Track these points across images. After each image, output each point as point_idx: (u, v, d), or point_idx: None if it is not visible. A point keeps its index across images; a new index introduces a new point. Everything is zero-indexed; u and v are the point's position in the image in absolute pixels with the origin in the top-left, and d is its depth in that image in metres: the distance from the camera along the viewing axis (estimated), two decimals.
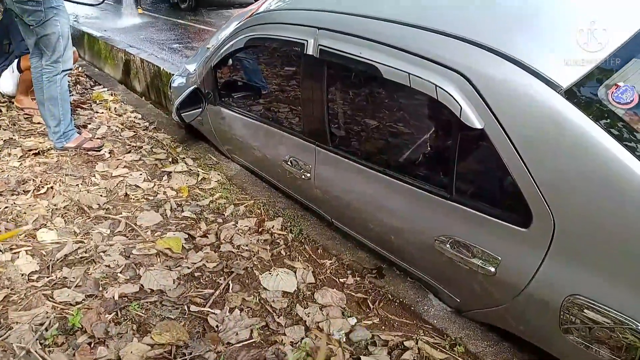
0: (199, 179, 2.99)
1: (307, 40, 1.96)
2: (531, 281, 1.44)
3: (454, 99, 1.46)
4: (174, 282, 2.02)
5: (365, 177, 1.91)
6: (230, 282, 2.05)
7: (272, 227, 2.48)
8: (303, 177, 2.25)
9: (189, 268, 2.12)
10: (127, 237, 2.34)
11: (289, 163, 2.34)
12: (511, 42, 1.43)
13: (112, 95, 4.63)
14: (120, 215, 2.52)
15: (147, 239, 2.32)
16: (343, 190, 2.10)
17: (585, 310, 1.31)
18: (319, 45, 1.90)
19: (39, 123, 3.64)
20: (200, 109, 2.90)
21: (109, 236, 2.33)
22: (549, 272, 1.39)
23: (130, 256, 2.18)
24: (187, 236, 2.37)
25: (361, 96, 2.06)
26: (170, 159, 3.25)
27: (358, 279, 2.10)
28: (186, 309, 1.89)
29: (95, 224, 2.43)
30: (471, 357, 1.71)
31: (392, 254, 2.04)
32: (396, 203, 1.83)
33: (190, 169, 3.10)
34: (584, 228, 1.30)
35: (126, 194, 2.73)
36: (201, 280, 2.06)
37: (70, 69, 3.19)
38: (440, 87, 1.49)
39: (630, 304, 1.23)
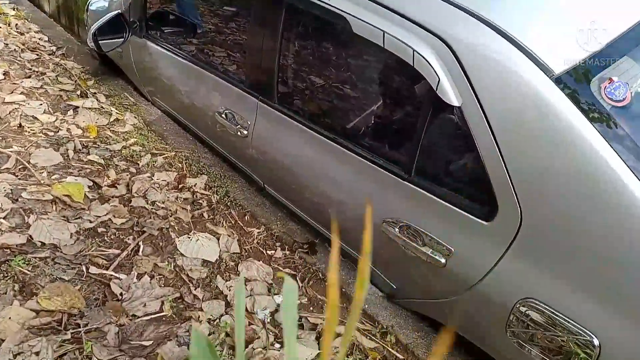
0: (112, 119, 2.60)
1: None
2: (484, 278, 1.33)
3: (433, 68, 1.29)
4: (71, 237, 1.71)
5: (313, 141, 1.70)
6: (141, 243, 1.77)
7: (195, 185, 2.20)
8: (239, 133, 2.00)
9: (91, 222, 1.80)
10: (17, 176, 1.95)
11: (223, 115, 2.07)
12: (506, 14, 1.28)
13: (14, 10, 3.95)
14: (10, 150, 2.10)
15: (42, 182, 1.95)
16: (283, 153, 1.88)
17: (538, 315, 1.24)
18: None
19: None
20: (122, 39, 2.50)
21: None
22: (505, 270, 1.29)
23: (19, 200, 1.81)
24: (91, 184, 2.03)
25: (322, 50, 1.83)
26: (78, 92, 2.81)
27: (287, 252, 1.92)
28: (84, 270, 1.59)
29: None
30: (402, 347, 1.61)
31: (327, 229, 1.88)
32: (344, 175, 1.65)
33: (102, 107, 2.69)
34: (553, 228, 1.21)
35: (20, 124, 2.30)
36: (105, 238, 1.76)
37: None
38: (418, 53, 1.31)
39: (590, 315, 1.16)
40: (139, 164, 2.28)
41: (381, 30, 1.37)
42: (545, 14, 1.33)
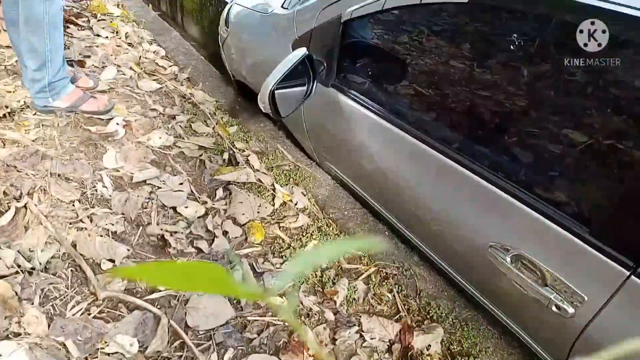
0: (277, 203, 1.77)
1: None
2: None
3: None
4: None
5: None
6: None
7: (427, 351, 1.34)
8: (554, 308, 1.10)
9: None
10: None
11: (506, 259, 1.17)
12: None
13: (119, 7, 3.20)
14: (159, 306, 1.31)
15: None
16: None
17: None
18: None
19: (7, 46, 2.25)
20: (305, 93, 1.63)
21: None
22: None
23: None
24: None
25: None
26: (220, 150, 1.99)
27: None
28: None
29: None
30: None
31: None
32: None
33: (260, 180, 1.86)
34: None
35: (163, 237, 1.50)
36: None
37: None
38: None
39: None
40: (335, 302, 1.44)
41: None
42: None
